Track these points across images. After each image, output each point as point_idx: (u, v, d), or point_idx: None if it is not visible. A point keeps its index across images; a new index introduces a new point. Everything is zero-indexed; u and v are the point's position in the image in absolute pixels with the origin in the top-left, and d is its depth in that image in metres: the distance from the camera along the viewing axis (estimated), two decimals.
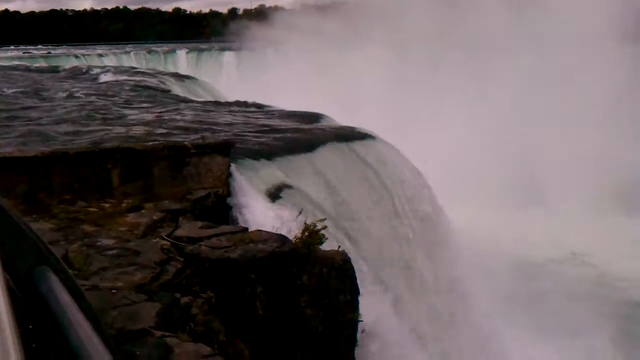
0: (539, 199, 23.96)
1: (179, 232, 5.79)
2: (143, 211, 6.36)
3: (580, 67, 27.61)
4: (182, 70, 36.69)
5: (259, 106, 15.12)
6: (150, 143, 7.81)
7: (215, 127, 10.63)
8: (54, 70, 28.73)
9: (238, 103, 15.46)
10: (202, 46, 46.30)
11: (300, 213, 6.74)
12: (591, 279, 18.50)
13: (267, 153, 9.07)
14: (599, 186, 24.17)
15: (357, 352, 6.53)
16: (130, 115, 12.29)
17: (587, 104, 27.30)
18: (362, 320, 6.44)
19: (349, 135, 11.46)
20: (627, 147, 29.60)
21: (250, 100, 16.01)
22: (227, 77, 38.70)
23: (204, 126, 10.61)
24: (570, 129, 26.40)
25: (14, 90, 17.93)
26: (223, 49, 44.35)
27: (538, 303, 14.47)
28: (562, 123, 26.54)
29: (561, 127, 26.47)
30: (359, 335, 6.48)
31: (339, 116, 14.09)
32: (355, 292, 6.41)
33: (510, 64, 29.14)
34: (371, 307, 6.73)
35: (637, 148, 29.64)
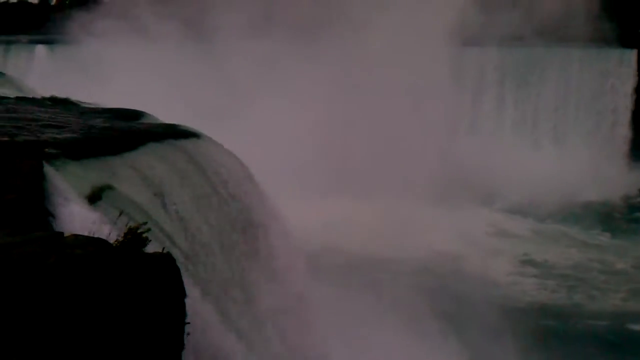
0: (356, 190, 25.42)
1: None
2: None
3: (398, 63, 28.96)
4: None
5: (75, 103, 14.34)
6: None
7: (25, 126, 9.88)
8: None
9: (52, 99, 14.52)
10: (11, 38, 42.90)
11: (120, 215, 6.47)
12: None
13: (86, 153, 8.61)
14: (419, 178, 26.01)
15: (185, 355, 6.41)
16: None
17: (407, 102, 28.88)
18: (189, 323, 6.33)
19: (172, 134, 11.20)
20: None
21: (66, 96, 15.11)
22: (39, 72, 36.23)
23: (12, 124, 9.83)
24: (391, 126, 27.88)
25: None
26: (35, 42, 41.55)
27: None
28: (384, 120, 27.89)
29: (384, 124, 27.86)
30: (185, 338, 6.36)
31: (164, 115, 13.72)
32: (181, 294, 6.27)
33: (335, 53, 30.00)
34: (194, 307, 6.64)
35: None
